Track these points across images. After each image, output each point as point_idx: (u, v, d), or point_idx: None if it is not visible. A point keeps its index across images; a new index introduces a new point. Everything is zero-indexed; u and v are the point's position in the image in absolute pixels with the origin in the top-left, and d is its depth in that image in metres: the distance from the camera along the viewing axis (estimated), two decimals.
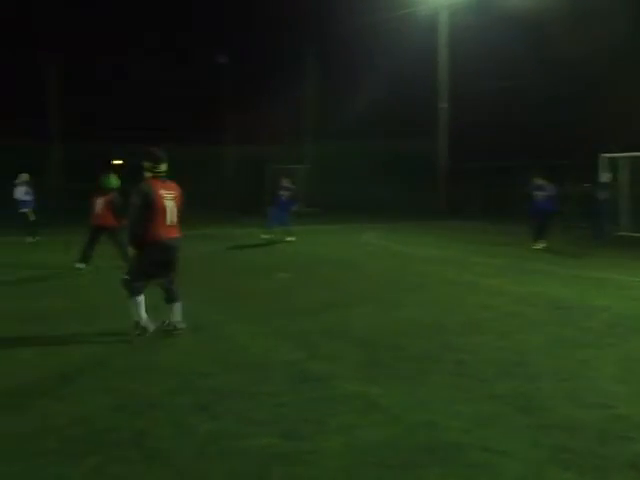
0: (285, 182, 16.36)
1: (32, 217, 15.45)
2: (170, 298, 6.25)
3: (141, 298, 6.14)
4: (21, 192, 15.50)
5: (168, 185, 6.13)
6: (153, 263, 6.08)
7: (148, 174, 6.09)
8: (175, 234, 6.15)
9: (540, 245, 13.85)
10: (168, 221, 6.03)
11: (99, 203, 10.53)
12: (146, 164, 6.09)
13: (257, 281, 9.72)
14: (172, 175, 6.25)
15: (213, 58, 35.14)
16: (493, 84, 25.32)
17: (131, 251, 6.16)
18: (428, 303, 7.99)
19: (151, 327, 6.18)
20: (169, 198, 6.04)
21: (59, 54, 32.09)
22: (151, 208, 5.91)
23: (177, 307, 6.27)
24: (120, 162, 35.12)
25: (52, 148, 34.29)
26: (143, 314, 6.16)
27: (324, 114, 31.77)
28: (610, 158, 17.62)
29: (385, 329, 6.56)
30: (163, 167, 6.11)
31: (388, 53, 27.82)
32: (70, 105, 33.52)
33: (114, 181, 10.70)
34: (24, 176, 15.78)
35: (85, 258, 10.53)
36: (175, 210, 6.11)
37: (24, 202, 15.48)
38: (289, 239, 15.61)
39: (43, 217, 16.07)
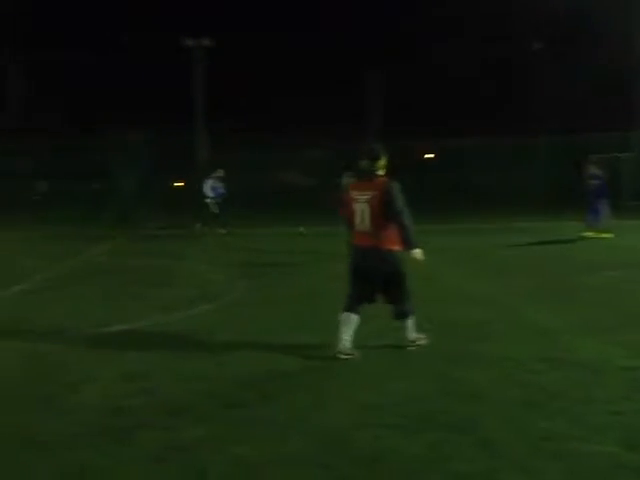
0: (593, 169, 14.53)
1: (215, 210, 16.67)
2: (395, 314, 5.44)
3: (348, 316, 5.29)
4: (208, 185, 16.89)
5: (365, 185, 5.28)
6: (351, 272, 5.43)
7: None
8: (366, 242, 5.25)
9: None
10: (357, 226, 5.30)
11: None
12: None
13: (580, 278, 9.08)
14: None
15: (529, 44, 34.01)
16: None
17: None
18: None
19: (344, 355, 5.21)
20: (360, 200, 5.23)
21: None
22: (346, 210, 5.46)
23: (407, 324, 5.43)
24: (431, 156, 36.45)
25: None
26: (344, 335, 5.23)
27: None
28: None
29: None
30: (361, 163, 5.33)
31: None
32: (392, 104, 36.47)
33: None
34: (220, 171, 17.12)
35: None
36: (368, 214, 5.19)
37: (214, 193, 16.81)
38: (604, 235, 13.82)
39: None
